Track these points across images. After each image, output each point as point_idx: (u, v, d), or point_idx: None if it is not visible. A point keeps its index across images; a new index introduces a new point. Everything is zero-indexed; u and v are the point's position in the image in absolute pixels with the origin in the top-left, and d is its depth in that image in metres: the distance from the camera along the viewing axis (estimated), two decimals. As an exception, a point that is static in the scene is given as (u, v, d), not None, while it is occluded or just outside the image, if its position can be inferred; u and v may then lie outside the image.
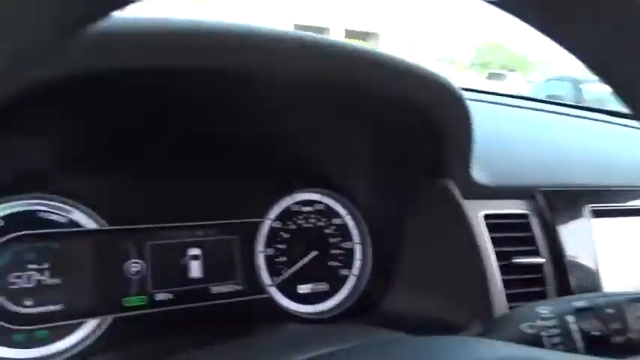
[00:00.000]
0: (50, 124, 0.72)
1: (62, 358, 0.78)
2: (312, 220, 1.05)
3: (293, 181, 1.05)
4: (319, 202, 1.07)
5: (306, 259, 1.00)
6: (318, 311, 1.02)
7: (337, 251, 1.06)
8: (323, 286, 1.03)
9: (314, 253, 1.01)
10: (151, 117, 0.76)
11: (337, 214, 1.08)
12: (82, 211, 0.83)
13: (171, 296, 0.88)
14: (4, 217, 0.78)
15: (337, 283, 1.05)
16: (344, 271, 1.07)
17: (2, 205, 0.78)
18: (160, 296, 0.88)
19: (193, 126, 0.83)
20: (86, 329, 0.81)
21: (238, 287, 0.95)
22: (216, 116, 0.82)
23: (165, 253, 0.89)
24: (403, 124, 0.86)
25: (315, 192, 1.07)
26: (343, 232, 1.08)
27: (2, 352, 0.74)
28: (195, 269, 0.91)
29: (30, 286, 0.78)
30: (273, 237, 0.99)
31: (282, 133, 0.92)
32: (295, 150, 1.00)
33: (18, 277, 0.78)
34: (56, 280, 0.80)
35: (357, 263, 1.08)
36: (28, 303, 0.78)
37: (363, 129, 0.94)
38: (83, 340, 0.80)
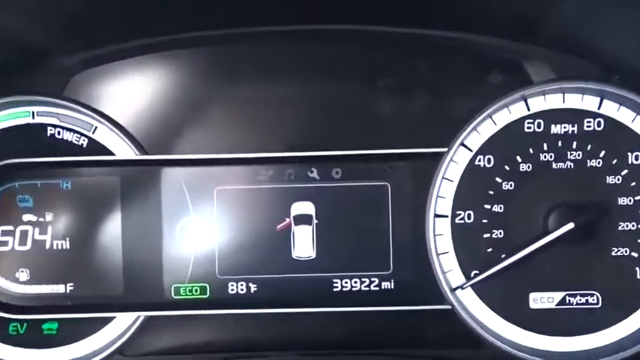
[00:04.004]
0: None
1: None
2: (575, 155, 0.53)
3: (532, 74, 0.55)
4: (596, 116, 0.51)
5: (552, 237, 0.50)
6: (571, 352, 0.52)
7: (634, 225, 0.52)
8: (591, 300, 0.52)
9: (570, 226, 0.50)
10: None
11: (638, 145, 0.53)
12: (112, 130, 0.48)
13: (254, 288, 0.51)
14: None
15: (626, 295, 0.53)
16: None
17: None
18: (235, 287, 0.51)
19: None
20: (114, 327, 0.50)
21: (387, 284, 0.53)
22: None
23: (244, 208, 0.52)
24: None
25: (588, 92, 0.50)
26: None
27: None
28: (303, 243, 0.52)
29: (25, 248, 0.49)
30: (473, 188, 0.51)
31: None
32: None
33: (7, 233, 0.49)
34: (62, 242, 0.49)
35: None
36: (23, 277, 0.49)
37: None
38: (109, 343, 0.49)
